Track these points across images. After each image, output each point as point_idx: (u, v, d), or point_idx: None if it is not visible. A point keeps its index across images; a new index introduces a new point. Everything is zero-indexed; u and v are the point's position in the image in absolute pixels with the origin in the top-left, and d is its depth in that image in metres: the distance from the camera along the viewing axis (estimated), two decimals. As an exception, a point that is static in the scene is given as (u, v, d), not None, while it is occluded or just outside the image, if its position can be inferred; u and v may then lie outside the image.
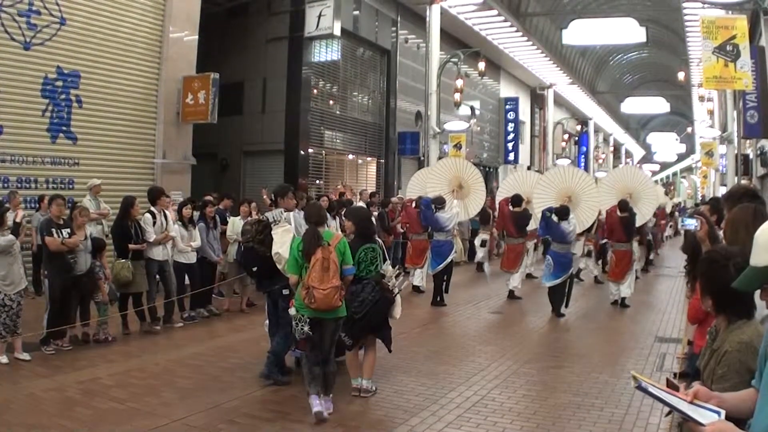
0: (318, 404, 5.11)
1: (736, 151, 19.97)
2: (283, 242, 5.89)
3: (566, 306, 10.01)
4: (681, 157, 57.05)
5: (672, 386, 2.30)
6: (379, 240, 6.05)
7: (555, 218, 9.96)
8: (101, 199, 10.08)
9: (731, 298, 2.45)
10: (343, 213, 8.84)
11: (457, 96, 20.36)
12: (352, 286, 5.53)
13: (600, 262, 13.79)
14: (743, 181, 17.05)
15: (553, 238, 10.08)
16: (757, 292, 2.18)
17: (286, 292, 5.94)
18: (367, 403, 5.59)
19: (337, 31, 15.91)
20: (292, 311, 5.28)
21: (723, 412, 2.07)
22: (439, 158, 19.08)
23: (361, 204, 13.29)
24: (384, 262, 5.85)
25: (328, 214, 11.38)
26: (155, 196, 8.66)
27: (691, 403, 2.13)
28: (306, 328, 5.14)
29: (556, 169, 14.02)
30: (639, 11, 28.30)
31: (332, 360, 5.38)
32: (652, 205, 12.43)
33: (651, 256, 17.31)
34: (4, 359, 6.40)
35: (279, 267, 5.82)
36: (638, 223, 11.17)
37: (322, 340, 5.25)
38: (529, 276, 13.49)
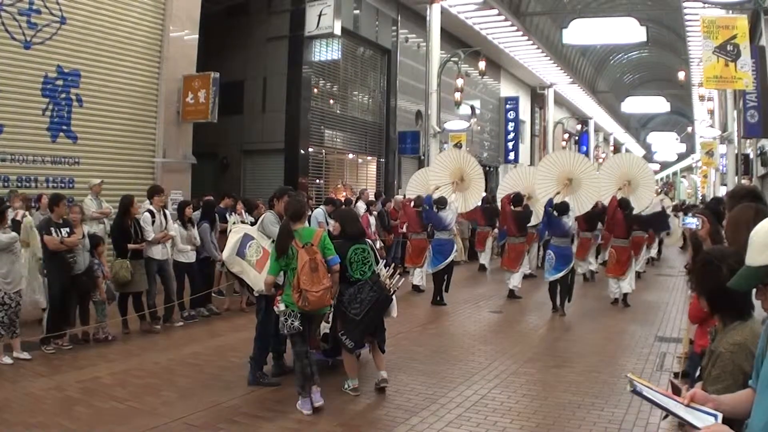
0: (308, 408, 5.17)
1: (736, 151, 19.96)
2: (227, 246, 6.01)
3: (569, 300, 10.03)
4: (681, 157, 56.98)
5: (675, 389, 2.29)
6: (369, 241, 6.05)
7: (555, 213, 10.03)
8: (103, 198, 10.08)
9: (725, 300, 2.45)
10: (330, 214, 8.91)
11: (457, 95, 20.34)
12: (349, 289, 5.55)
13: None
14: (744, 181, 17.06)
15: (554, 233, 10.15)
16: (753, 292, 2.18)
17: (256, 293, 6.01)
18: (367, 402, 5.59)
19: (338, 31, 15.91)
20: (281, 307, 5.31)
21: (720, 416, 2.08)
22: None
23: (361, 204, 13.33)
24: (377, 263, 5.85)
25: (322, 213, 11.57)
26: (151, 193, 8.69)
27: (687, 406, 2.13)
28: (297, 323, 5.21)
29: (558, 152, 13.94)
30: (639, 11, 28.24)
31: (310, 350, 5.46)
32: (650, 191, 12.28)
33: (653, 253, 17.47)
34: (8, 360, 6.40)
35: (232, 270, 5.93)
36: (636, 210, 11.13)
37: (309, 332, 5.38)
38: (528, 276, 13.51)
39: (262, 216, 6.42)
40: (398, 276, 6.10)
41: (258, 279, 5.98)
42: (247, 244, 6.06)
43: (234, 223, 9.49)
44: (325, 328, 6.12)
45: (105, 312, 7.63)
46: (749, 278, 2.01)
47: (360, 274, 5.61)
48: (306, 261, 5.09)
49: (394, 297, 5.90)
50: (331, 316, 5.90)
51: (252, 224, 8.48)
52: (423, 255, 11.56)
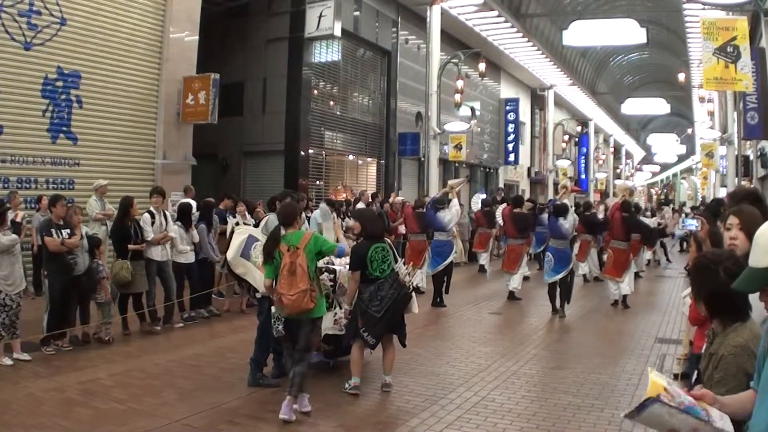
0: (284, 412, 5.02)
1: (736, 153, 19.96)
2: (231, 247, 6.01)
3: (568, 302, 10.04)
4: (681, 159, 57.00)
5: None
6: (388, 240, 6.09)
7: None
8: (106, 200, 10.09)
9: (724, 302, 2.43)
10: (350, 214, 8.88)
11: (457, 97, 20.34)
12: (370, 287, 5.61)
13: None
14: (744, 183, 17.06)
15: (552, 234, 10.17)
16: (756, 294, 2.17)
17: (258, 295, 6.01)
18: (367, 403, 5.59)
19: (338, 32, 15.92)
20: (272, 309, 5.38)
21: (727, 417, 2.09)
22: (440, 158, 19.25)
23: (361, 205, 13.34)
24: (395, 261, 5.89)
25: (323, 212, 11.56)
26: (149, 194, 8.73)
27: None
28: (280, 327, 5.25)
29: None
30: (639, 12, 28.25)
31: (305, 361, 5.25)
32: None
33: (655, 256, 17.61)
34: (8, 361, 6.40)
35: (236, 272, 5.93)
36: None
37: (297, 340, 5.21)
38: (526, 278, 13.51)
39: (266, 218, 6.45)
40: (414, 273, 6.17)
41: (263, 280, 5.99)
42: (252, 246, 6.06)
43: (237, 223, 9.51)
44: (326, 329, 6.12)
45: (110, 312, 7.62)
46: (754, 280, 1.99)
47: (379, 272, 5.67)
48: (286, 263, 5.06)
49: (413, 293, 5.97)
50: (336, 315, 5.93)
51: (255, 226, 8.50)
52: (422, 256, 11.55)
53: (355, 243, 6.26)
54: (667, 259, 18.92)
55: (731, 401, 2.20)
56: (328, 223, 9.49)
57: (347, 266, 6.37)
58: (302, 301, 5.01)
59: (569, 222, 10.10)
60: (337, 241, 6.13)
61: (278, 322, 5.26)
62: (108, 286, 7.63)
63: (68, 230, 7.09)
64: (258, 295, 6.15)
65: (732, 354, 2.37)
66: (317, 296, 5.16)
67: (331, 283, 6.26)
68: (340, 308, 6.16)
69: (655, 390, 2.06)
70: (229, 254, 6.08)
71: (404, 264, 6.11)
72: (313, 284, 5.08)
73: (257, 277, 6.05)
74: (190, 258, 8.89)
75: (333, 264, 6.48)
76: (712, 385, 2.40)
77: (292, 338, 5.25)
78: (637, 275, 12.80)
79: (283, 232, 5.31)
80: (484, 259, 15.05)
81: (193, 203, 9.99)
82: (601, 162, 44.95)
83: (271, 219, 6.31)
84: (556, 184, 26.25)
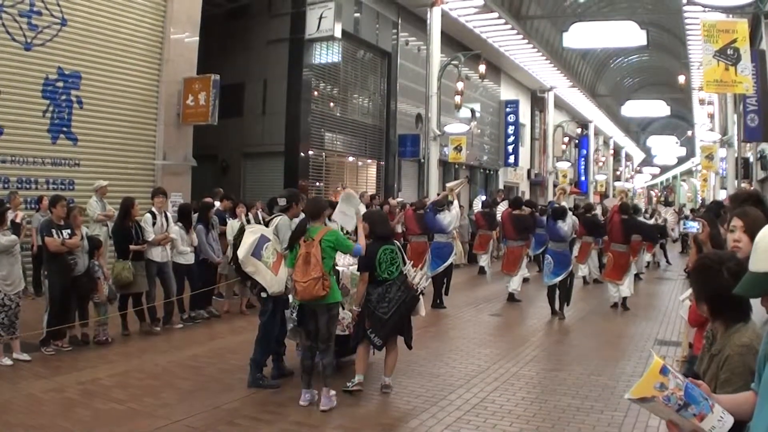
0: (305, 400, 5.35)
1: (736, 155, 19.98)
2: (243, 245, 5.99)
3: (567, 304, 10.04)
4: (681, 161, 57.06)
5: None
6: (397, 242, 6.11)
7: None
8: (107, 200, 10.09)
9: (726, 303, 2.43)
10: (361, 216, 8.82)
11: (457, 98, 20.35)
12: (378, 288, 5.65)
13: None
14: (744, 185, 17.07)
15: (551, 237, 10.18)
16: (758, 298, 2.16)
17: (264, 295, 6.04)
18: (367, 404, 5.59)
19: (338, 33, 15.94)
20: (290, 299, 5.55)
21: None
22: (440, 160, 19.25)
23: (362, 207, 13.31)
24: (404, 264, 5.90)
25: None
26: (152, 194, 8.75)
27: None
28: (294, 315, 5.47)
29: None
30: (640, 14, 28.29)
31: (330, 351, 5.45)
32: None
33: (654, 258, 17.63)
34: (8, 361, 6.39)
35: (245, 270, 5.94)
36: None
37: (317, 329, 5.41)
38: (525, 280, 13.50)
39: (276, 221, 6.41)
40: (425, 277, 6.18)
41: (274, 281, 5.97)
42: (264, 246, 6.04)
43: (248, 221, 9.46)
44: None
45: (107, 312, 7.62)
46: (755, 285, 1.98)
47: (387, 274, 5.71)
48: (302, 253, 5.29)
49: (421, 296, 6.00)
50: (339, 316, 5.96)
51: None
52: (423, 257, 11.53)
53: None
54: (667, 261, 18.93)
55: (727, 400, 2.19)
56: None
57: (350, 267, 6.39)
58: (314, 287, 5.22)
59: (568, 225, 10.09)
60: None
61: (294, 311, 5.45)
62: (104, 286, 7.61)
63: (69, 231, 7.09)
64: (264, 295, 6.12)
65: (738, 354, 2.37)
66: (330, 285, 5.33)
67: None
68: (343, 309, 6.16)
69: (656, 367, 2.06)
70: (241, 252, 6.01)
71: (412, 267, 6.11)
72: (326, 274, 5.28)
73: (267, 278, 6.03)
74: (190, 259, 8.89)
75: (336, 265, 6.47)
76: (717, 385, 2.40)
77: (309, 328, 5.43)
78: (636, 277, 12.81)
79: (308, 225, 5.52)
80: (484, 260, 15.05)
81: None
82: (600, 164, 44.95)
83: (282, 221, 6.28)
84: (555, 186, 26.24)
